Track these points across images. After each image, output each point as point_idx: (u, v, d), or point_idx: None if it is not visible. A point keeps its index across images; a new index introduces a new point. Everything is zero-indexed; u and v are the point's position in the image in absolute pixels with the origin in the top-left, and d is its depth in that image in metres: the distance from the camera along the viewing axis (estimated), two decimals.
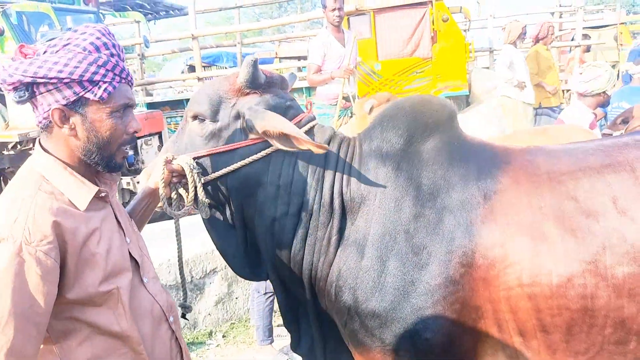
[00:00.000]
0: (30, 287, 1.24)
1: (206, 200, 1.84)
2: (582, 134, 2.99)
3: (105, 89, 1.38)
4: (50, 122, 1.39)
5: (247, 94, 1.85)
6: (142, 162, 6.16)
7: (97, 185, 1.48)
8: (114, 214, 1.53)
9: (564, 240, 1.57)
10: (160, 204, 1.83)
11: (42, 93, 1.36)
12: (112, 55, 1.41)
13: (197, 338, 4.14)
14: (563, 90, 8.34)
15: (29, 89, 1.36)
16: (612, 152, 1.68)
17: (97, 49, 1.38)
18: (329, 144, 1.86)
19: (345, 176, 1.80)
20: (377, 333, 1.69)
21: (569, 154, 1.73)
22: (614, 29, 10.99)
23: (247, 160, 1.82)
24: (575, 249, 1.56)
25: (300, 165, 1.82)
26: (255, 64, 1.80)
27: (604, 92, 3.82)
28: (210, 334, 4.22)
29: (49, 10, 7.01)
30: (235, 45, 10.15)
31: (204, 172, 1.85)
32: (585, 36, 9.97)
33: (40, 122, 1.41)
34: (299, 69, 9.55)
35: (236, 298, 4.42)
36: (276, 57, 11.16)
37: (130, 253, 1.52)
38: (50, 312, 1.29)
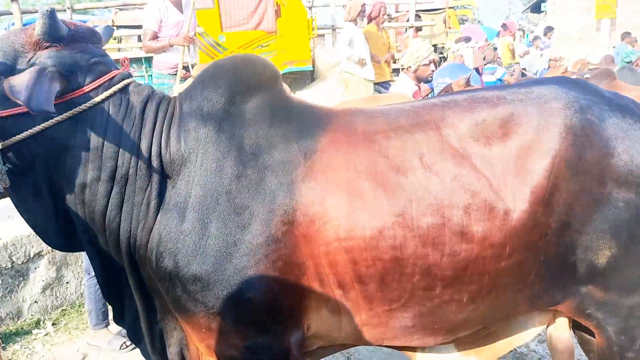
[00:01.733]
0: None
1: (4, 166, 1.63)
2: (407, 99, 3.21)
3: None
4: None
5: (47, 47, 1.66)
6: None
7: None
8: None
9: (376, 195, 1.65)
10: None
11: None
12: None
13: (21, 328, 3.76)
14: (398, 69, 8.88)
15: None
16: (421, 113, 1.80)
17: None
18: (146, 104, 1.75)
19: (164, 137, 1.71)
20: (200, 297, 1.64)
21: (384, 115, 1.82)
22: (444, 13, 11.96)
23: (49, 122, 1.64)
24: (386, 203, 1.65)
25: (113, 126, 1.69)
26: (52, 14, 1.62)
27: (423, 65, 4.14)
28: (37, 322, 3.86)
29: None
30: (65, 11, 9.24)
31: (2, 135, 1.64)
32: (418, 17, 10.71)
33: None
34: (139, 38, 8.99)
35: (67, 282, 4.09)
36: (114, 26, 10.37)
37: None
38: None
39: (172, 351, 1.89)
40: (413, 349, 2.02)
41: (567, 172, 1.67)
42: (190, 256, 1.63)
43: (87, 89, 1.70)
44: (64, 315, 4.00)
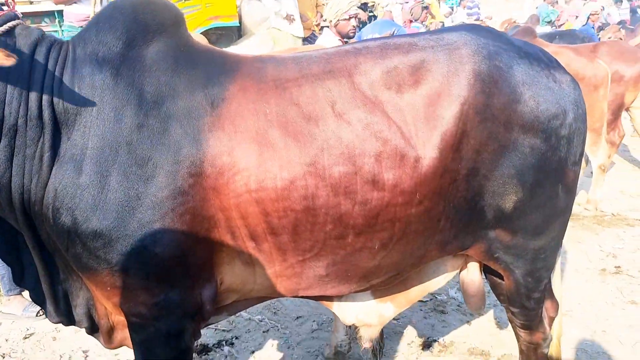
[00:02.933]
0: None
1: None
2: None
3: None
4: None
5: None
6: None
7: None
8: None
9: (287, 145, 1.61)
10: None
11: None
12: None
13: None
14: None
15: None
16: (333, 60, 1.75)
17: None
18: (35, 49, 1.60)
19: (56, 85, 1.57)
20: (102, 254, 1.56)
21: (295, 62, 1.76)
22: None
23: None
24: (297, 153, 1.61)
25: None
26: None
27: (343, 20, 4.08)
28: None
29: None
30: None
31: None
32: None
33: None
34: None
35: None
36: None
37: None
38: None
39: (79, 312, 1.81)
40: (329, 299, 2.04)
41: (475, 119, 1.68)
42: (90, 211, 1.53)
43: None
44: None
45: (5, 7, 1.71)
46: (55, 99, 1.57)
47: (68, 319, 1.82)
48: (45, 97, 1.56)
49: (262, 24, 7.74)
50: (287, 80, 1.69)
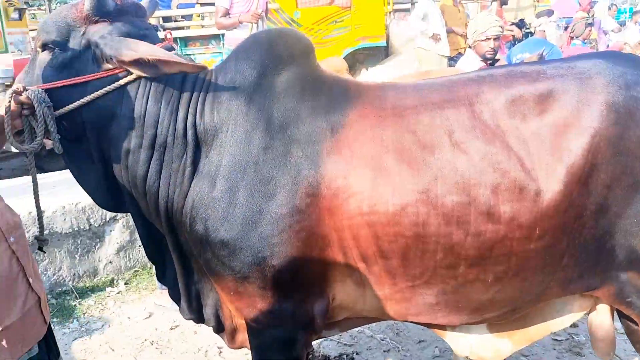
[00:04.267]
0: None
1: (57, 134, 1.78)
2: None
3: None
4: None
5: (96, 22, 1.78)
6: None
7: None
8: None
9: (400, 171, 1.65)
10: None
11: None
12: None
13: (97, 285, 4.09)
14: None
15: None
16: (455, 88, 1.75)
17: None
18: (185, 76, 1.83)
19: (199, 108, 1.79)
20: (227, 262, 1.73)
21: (416, 90, 1.79)
22: None
23: (99, 92, 1.77)
24: (410, 179, 1.64)
25: (154, 97, 1.79)
26: None
27: (480, 40, 3.95)
28: (112, 281, 4.18)
29: None
30: None
31: (58, 104, 1.79)
32: None
33: None
34: None
35: (139, 245, 4.35)
36: (197, 3, 10.73)
37: None
38: None
39: (208, 312, 2.00)
40: (442, 327, 2.01)
41: (607, 152, 1.57)
42: (219, 222, 1.71)
43: None
44: (136, 276, 4.29)
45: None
46: (198, 121, 1.78)
47: (198, 317, 2.03)
48: (189, 119, 1.78)
49: (409, 43, 7.80)
50: (406, 108, 1.73)
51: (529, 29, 10.62)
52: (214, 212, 1.72)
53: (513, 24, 9.09)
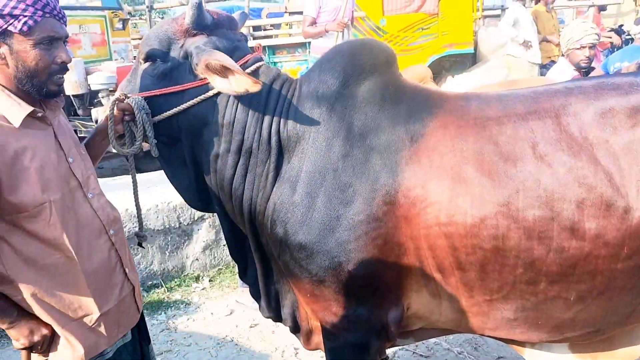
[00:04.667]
0: None
1: (154, 139, 1.92)
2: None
3: (25, 22, 1.52)
4: None
5: (195, 35, 1.90)
6: None
7: (43, 110, 1.65)
8: (55, 135, 1.68)
9: (480, 183, 1.63)
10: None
11: None
12: None
13: (184, 281, 4.32)
14: None
15: None
16: (540, 99, 1.71)
17: None
18: (272, 85, 1.91)
19: (283, 116, 1.87)
20: (305, 264, 1.79)
21: (500, 100, 1.76)
22: None
23: (195, 100, 1.89)
24: (491, 191, 1.62)
25: (242, 105, 1.88)
26: (200, 6, 1.85)
27: (574, 48, 3.77)
28: (197, 278, 4.39)
29: None
30: None
31: (156, 111, 1.93)
32: None
33: None
34: None
35: (223, 245, 4.56)
36: (286, 12, 11.03)
37: (72, 171, 1.69)
38: None
39: (285, 312, 2.08)
40: (521, 344, 1.96)
41: None
42: (298, 226, 1.77)
43: None
44: (219, 273, 4.48)
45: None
46: (282, 128, 1.86)
47: (276, 316, 2.11)
48: (274, 126, 1.86)
49: (498, 50, 7.59)
50: (489, 119, 1.71)
51: (629, 35, 9.99)
52: (293, 215, 1.79)
53: (612, 30, 8.59)
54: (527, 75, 6.90)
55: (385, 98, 1.80)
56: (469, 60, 8.01)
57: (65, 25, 1.65)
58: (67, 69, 1.64)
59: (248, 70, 1.91)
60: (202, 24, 1.89)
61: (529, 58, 6.70)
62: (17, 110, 1.58)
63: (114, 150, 1.96)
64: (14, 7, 1.50)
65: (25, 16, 1.51)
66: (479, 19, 8.09)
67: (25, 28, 1.52)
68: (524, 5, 6.68)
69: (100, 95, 6.06)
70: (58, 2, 1.63)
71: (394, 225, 1.70)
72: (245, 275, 2.15)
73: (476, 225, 1.62)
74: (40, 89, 1.60)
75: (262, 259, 2.02)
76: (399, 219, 1.70)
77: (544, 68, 6.90)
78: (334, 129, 1.79)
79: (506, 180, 1.62)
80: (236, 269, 4.43)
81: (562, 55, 4.04)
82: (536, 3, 6.88)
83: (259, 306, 2.14)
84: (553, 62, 6.66)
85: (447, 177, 1.66)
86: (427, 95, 1.84)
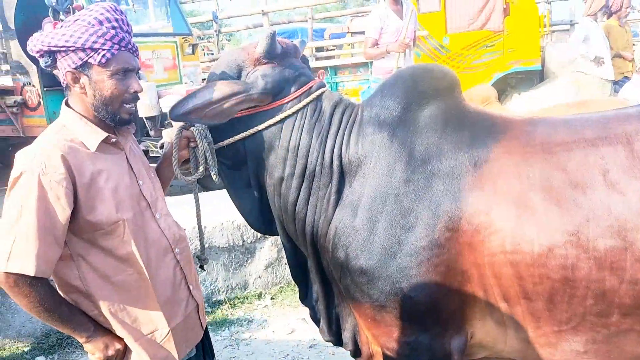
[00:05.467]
0: (49, 207, 1.57)
1: (215, 167, 1.99)
2: (620, 106, 2.86)
3: (103, 55, 1.67)
4: (67, 83, 1.71)
5: (265, 63, 1.97)
6: None
7: (116, 135, 1.79)
8: (127, 159, 1.81)
9: (547, 210, 1.59)
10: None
11: (59, 59, 1.68)
12: (113, 27, 1.68)
13: (246, 298, 4.40)
14: None
15: (51, 56, 1.69)
16: (610, 124, 1.65)
17: (100, 23, 1.67)
18: (334, 110, 1.95)
19: (345, 140, 1.89)
20: (365, 289, 1.79)
21: (567, 125, 1.72)
22: None
23: (263, 125, 1.95)
24: (559, 220, 1.57)
25: (307, 130, 1.93)
26: (274, 37, 1.92)
27: None
28: (260, 295, 4.47)
29: None
30: (307, 21, 10.27)
31: (223, 135, 2.00)
32: None
33: (63, 83, 1.73)
34: None
35: (285, 263, 4.62)
36: (348, 32, 11.17)
37: (142, 193, 1.81)
38: (65, 228, 1.61)
39: (346, 335, 2.08)
40: None
41: None
42: (359, 250, 1.79)
43: (292, 97, 1.97)
44: (281, 291, 4.54)
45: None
46: (344, 152, 1.88)
47: (337, 340, 2.11)
48: (336, 150, 1.89)
49: (567, 67, 7.34)
50: (556, 145, 1.66)
51: None
52: (354, 240, 1.80)
53: None
54: (598, 93, 6.63)
55: (448, 123, 1.79)
56: (536, 77, 7.79)
57: (138, 58, 1.80)
58: (139, 98, 1.78)
59: (313, 96, 1.96)
60: (272, 54, 1.96)
61: (601, 75, 6.42)
62: (93, 136, 1.72)
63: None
64: (95, 42, 1.64)
65: (103, 49, 1.66)
66: (547, 34, 7.87)
67: (103, 60, 1.67)
68: (596, 20, 6.41)
69: None
70: (131, 37, 1.77)
71: (457, 252, 1.68)
72: (306, 297, 2.17)
73: (544, 255, 1.58)
74: (114, 115, 1.74)
75: (323, 281, 2.04)
76: (462, 246, 1.67)
77: (616, 84, 6.59)
78: (396, 154, 1.79)
79: (575, 208, 1.56)
80: (297, 288, 4.50)
81: (637, 71, 3.86)
82: (608, 17, 6.59)
83: (319, 329, 2.16)
84: (627, 78, 6.35)
85: (512, 204, 1.63)
86: (491, 120, 1.82)
